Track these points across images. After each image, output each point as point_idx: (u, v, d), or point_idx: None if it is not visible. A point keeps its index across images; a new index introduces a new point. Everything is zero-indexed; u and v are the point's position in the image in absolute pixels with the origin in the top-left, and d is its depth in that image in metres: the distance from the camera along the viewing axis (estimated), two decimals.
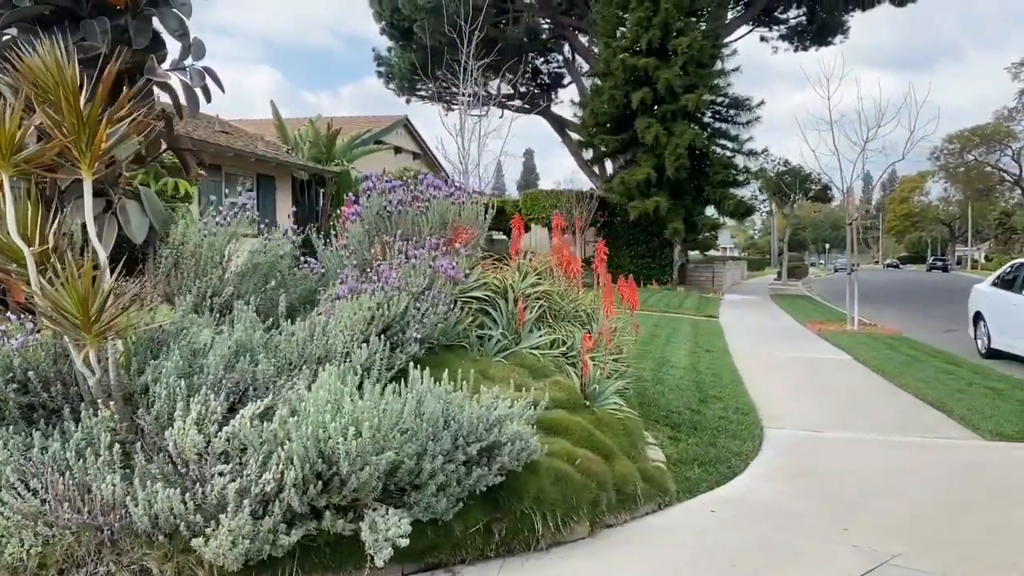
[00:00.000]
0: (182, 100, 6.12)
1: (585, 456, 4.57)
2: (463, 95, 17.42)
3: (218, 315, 5.08)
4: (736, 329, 17.10)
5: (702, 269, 34.91)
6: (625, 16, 30.52)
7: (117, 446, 3.54)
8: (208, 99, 6.10)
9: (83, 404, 3.77)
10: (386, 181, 5.69)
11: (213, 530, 3.20)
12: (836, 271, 73.27)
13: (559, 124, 42.72)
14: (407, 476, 3.61)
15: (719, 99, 31.78)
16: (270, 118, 20.32)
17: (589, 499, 4.35)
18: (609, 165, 36.36)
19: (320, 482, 3.36)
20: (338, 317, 4.31)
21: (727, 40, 38.06)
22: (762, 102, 31.55)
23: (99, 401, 3.84)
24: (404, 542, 3.23)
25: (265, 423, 3.35)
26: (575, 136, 38.67)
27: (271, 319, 4.80)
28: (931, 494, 5.49)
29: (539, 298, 5.89)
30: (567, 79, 45.61)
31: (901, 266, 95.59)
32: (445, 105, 47.31)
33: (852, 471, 6.05)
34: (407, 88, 44.04)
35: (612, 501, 4.57)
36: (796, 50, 43.04)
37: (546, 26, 42.19)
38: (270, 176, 17.76)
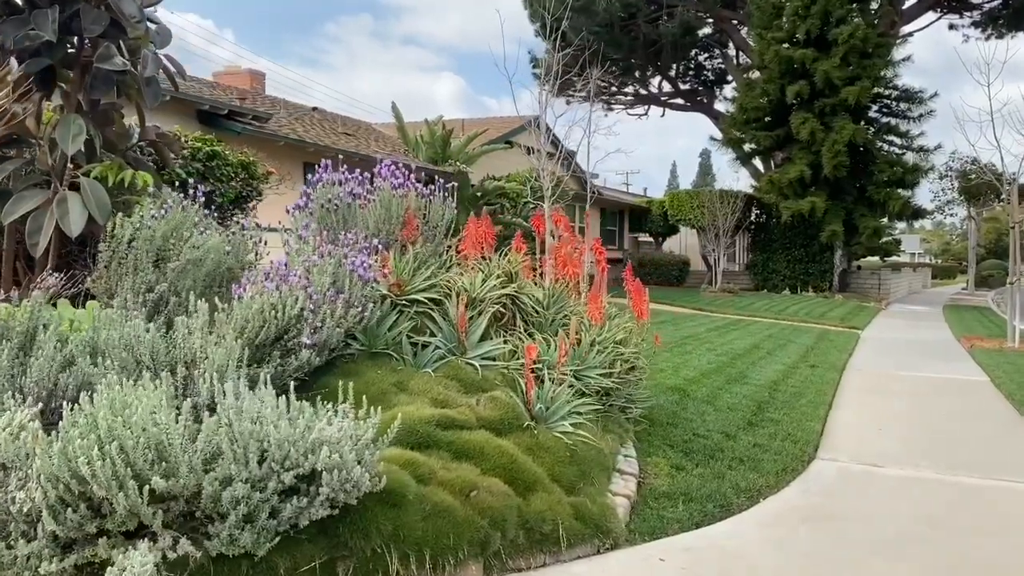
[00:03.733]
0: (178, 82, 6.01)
1: (489, 488, 3.94)
2: (543, 87, 16.70)
3: (150, 313, 4.86)
4: (873, 342, 15.48)
5: (868, 276, 32.28)
6: (782, 5, 28.68)
7: None
8: (175, 87, 5.92)
9: None
10: (344, 172, 5.26)
11: None
12: None
13: (720, 122, 40.99)
14: (210, 504, 3.15)
15: (886, 92, 29.19)
16: (456, 118, 20.42)
17: (476, 539, 3.71)
18: (771, 163, 34.39)
19: (84, 505, 2.98)
20: (197, 317, 3.92)
21: (908, 29, 35.09)
22: (935, 94, 28.69)
23: None
24: None
25: (22, 435, 3.01)
26: (736, 133, 36.88)
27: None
28: (963, 556, 4.41)
29: (498, 302, 5.25)
30: (731, 76, 43.67)
31: None
32: (604, 106, 46.76)
33: (884, 518, 5.01)
34: (560, 89, 43.66)
35: (518, 541, 3.91)
36: (988, 38, 38.95)
37: (710, 21, 40.56)
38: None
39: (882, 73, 28.07)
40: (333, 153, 15.48)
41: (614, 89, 46.46)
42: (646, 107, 46.51)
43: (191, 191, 5.29)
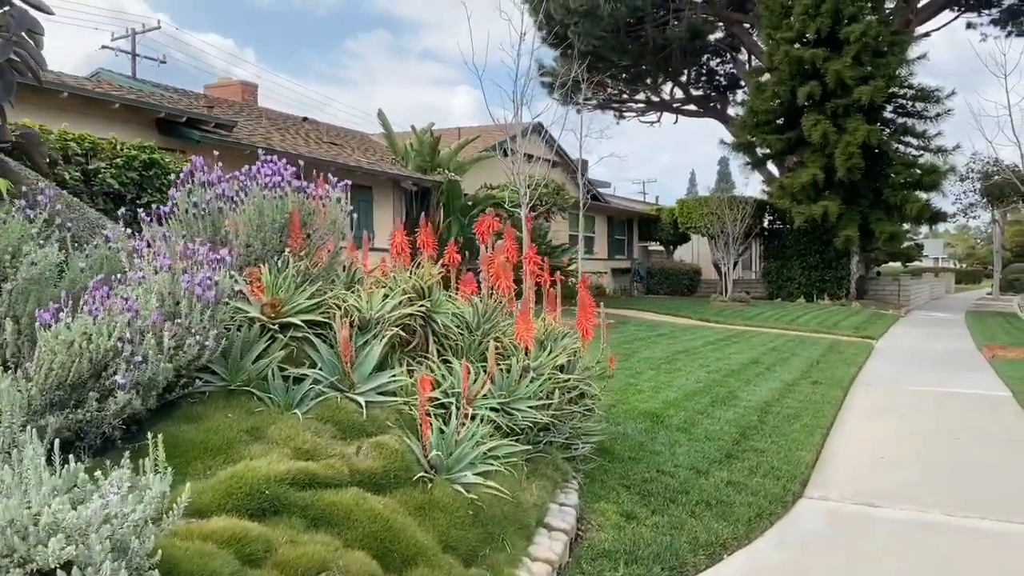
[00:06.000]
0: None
1: (347, 567, 3.07)
2: (516, 88, 15.91)
3: None
4: (888, 354, 14.45)
5: (887, 283, 31.10)
6: (791, 4, 27.68)
7: None
8: (38, 80, 5.12)
9: None
10: (219, 171, 4.45)
11: None
12: None
13: (731, 126, 39.92)
14: None
15: (901, 91, 28.07)
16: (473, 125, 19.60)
17: None
18: (784, 167, 33.25)
19: None
20: None
21: (924, 29, 33.94)
22: (952, 92, 27.52)
23: None
24: None
25: None
26: (747, 137, 35.71)
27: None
28: None
29: (399, 323, 4.39)
30: (743, 80, 42.59)
31: None
32: (616, 113, 45.83)
33: None
34: (570, 97, 42.65)
35: None
36: (1009, 35, 37.67)
37: (720, 25, 39.56)
38: (366, 187, 17.06)
39: (897, 72, 26.96)
40: (305, 162, 14.74)
41: (625, 96, 45.52)
42: (658, 114, 45.55)
43: (39, 197, 4.46)
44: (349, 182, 5.04)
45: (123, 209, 4.82)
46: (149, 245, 4.01)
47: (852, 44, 26.12)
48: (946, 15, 36.78)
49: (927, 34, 34.71)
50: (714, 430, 6.96)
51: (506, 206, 16.27)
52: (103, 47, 42.21)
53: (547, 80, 43.13)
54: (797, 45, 27.66)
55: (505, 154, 21.64)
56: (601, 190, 41.48)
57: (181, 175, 4.49)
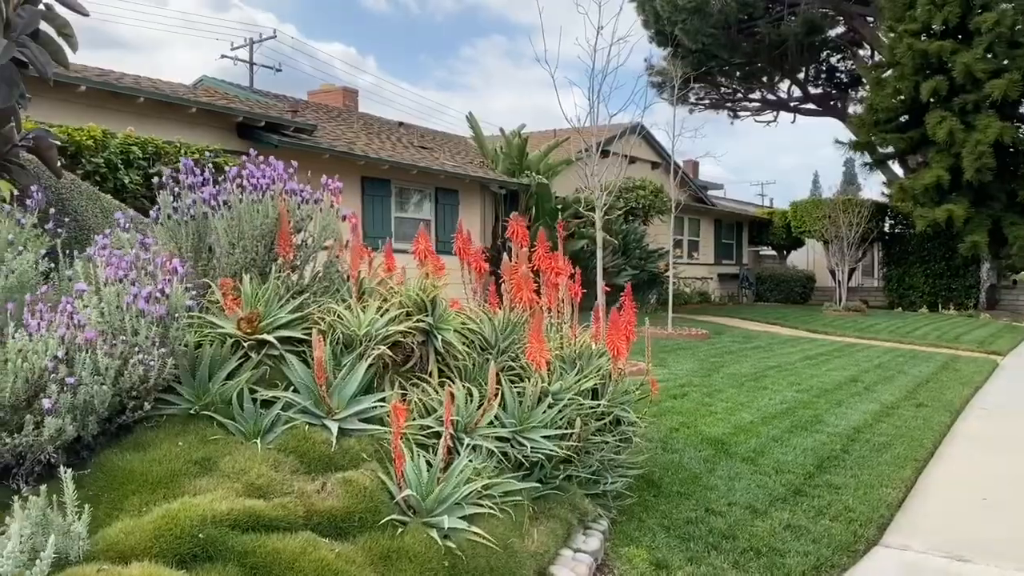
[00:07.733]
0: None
1: None
2: (590, 91, 15.25)
3: None
4: (1014, 372, 13.06)
5: (1021, 291, 28.68)
6: None
7: None
8: (47, 79, 4.94)
9: None
10: (207, 172, 4.11)
11: None
12: None
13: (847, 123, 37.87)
14: None
15: None
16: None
17: None
18: (908, 167, 31.20)
19: None
20: None
21: None
22: None
23: None
24: None
25: None
26: (867, 136, 33.66)
27: None
28: None
29: (386, 341, 3.93)
30: (863, 75, 40.38)
31: None
32: (729, 113, 44.29)
33: None
34: (680, 97, 41.25)
35: None
36: None
37: (839, 19, 37.64)
38: (452, 190, 16.82)
39: None
40: (386, 165, 14.62)
41: (739, 95, 44.04)
42: (775, 113, 43.85)
43: (27, 201, 4.25)
44: (334, 183, 4.62)
45: (119, 214, 4.57)
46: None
47: (984, 35, 24.19)
48: None
49: None
50: (786, 461, 6.23)
51: (582, 209, 15.69)
52: (222, 56, 44.12)
53: (656, 80, 42.14)
54: (923, 37, 25.88)
55: (605, 154, 21.03)
56: (712, 192, 40.11)
57: (164, 177, 4.20)
